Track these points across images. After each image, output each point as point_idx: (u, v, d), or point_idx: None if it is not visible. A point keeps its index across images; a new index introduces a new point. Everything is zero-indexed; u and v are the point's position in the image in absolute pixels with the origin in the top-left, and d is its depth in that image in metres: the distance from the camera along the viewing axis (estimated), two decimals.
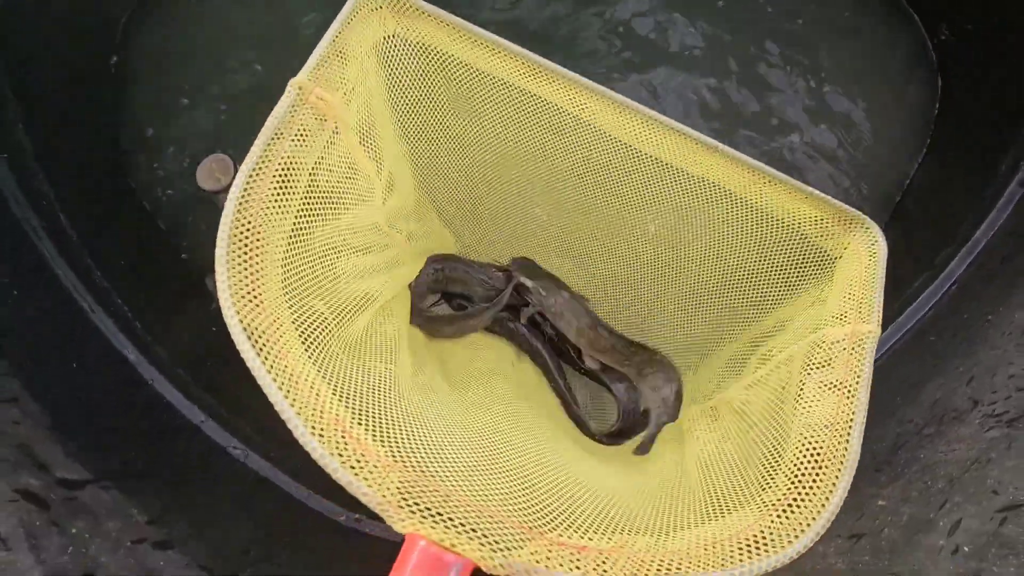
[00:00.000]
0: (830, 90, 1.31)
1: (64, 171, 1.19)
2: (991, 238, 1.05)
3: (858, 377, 0.53)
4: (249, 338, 0.47)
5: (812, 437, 0.49)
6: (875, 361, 1.04)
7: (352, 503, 0.96)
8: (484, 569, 0.39)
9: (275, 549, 0.77)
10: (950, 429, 0.65)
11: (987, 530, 0.46)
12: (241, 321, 0.47)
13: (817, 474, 0.47)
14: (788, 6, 1.34)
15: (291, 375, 0.47)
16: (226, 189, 1.23)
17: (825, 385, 0.53)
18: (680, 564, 0.42)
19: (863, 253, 0.64)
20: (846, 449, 0.48)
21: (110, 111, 1.34)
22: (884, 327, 1.06)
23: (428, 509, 0.40)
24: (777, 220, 0.69)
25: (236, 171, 1.29)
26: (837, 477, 0.46)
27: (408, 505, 0.40)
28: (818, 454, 0.48)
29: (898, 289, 1.14)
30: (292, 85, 0.57)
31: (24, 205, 1.08)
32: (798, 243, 0.69)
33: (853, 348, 0.55)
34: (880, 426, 0.77)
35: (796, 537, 0.43)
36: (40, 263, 1.04)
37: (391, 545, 0.65)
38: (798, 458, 0.48)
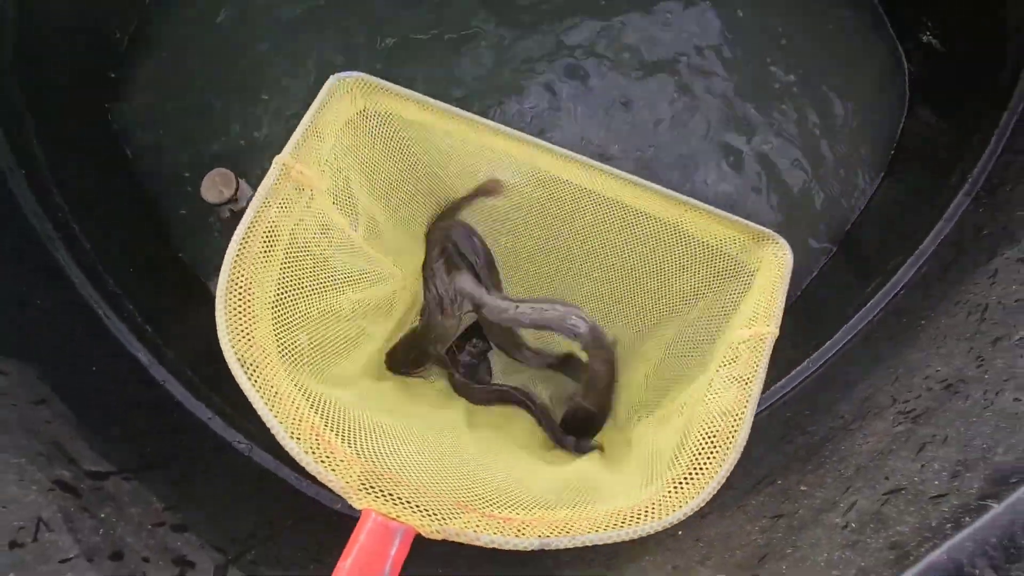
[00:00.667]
0: (804, 100, 1.39)
1: (76, 184, 1.27)
2: (937, 247, 1.13)
3: (755, 370, 0.63)
4: (243, 367, 0.59)
5: (711, 423, 0.59)
6: (824, 363, 1.13)
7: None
8: (424, 534, 0.49)
9: (278, 533, 0.86)
10: (869, 424, 0.74)
11: (872, 510, 0.55)
12: (236, 354, 0.59)
13: (710, 455, 0.56)
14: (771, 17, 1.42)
15: (276, 393, 0.59)
16: (228, 201, 1.32)
17: (730, 379, 0.63)
18: (583, 527, 0.51)
19: (773, 264, 0.74)
20: (736, 433, 0.57)
21: (117, 126, 1.42)
22: (836, 329, 1.16)
23: (381, 491, 0.51)
24: (704, 243, 0.80)
25: (238, 184, 1.37)
26: (725, 457, 0.56)
27: (365, 488, 0.51)
28: (714, 437, 0.57)
29: (853, 294, 1.22)
30: (276, 163, 0.69)
31: (41, 217, 1.16)
32: (726, 262, 0.80)
33: (755, 346, 0.65)
34: (818, 422, 0.87)
35: (680, 507, 0.53)
36: (57, 271, 1.13)
37: None
38: (699, 441, 0.58)
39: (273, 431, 0.54)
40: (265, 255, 0.67)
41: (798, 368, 1.11)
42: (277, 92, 1.38)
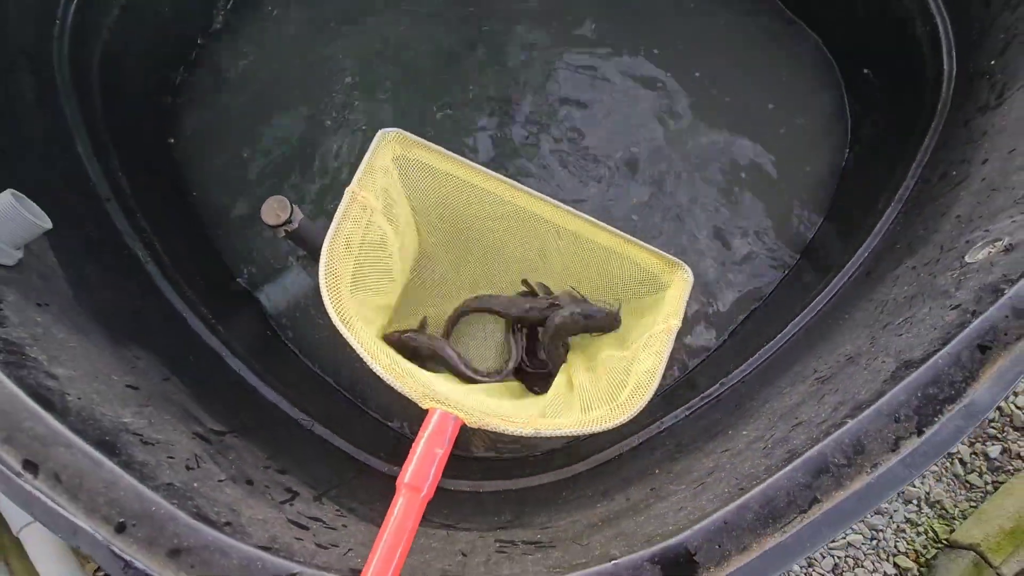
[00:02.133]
0: (767, 141, 1.68)
1: (153, 209, 1.52)
2: (864, 259, 1.41)
3: (665, 347, 1.00)
4: (343, 323, 0.90)
5: (639, 378, 0.95)
6: (776, 351, 1.39)
7: (392, 460, 1.30)
8: (467, 424, 0.81)
9: (346, 482, 1.11)
10: (795, 389, 1.00)
11: (782, 437, 0.81)
12: (338, 315, 0.91)
13: (635, 393, 0.93)
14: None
15: (363, 343, 0.89)
16: (284, 223, 1.57)
17: (651, 352, 0.99)
18: (557, 426, 0.85)
19: (679, 283, 1.12)
20: (651, 382, 0.94)
21: (183, 159, 1.68)
22: (784, 325, 1.42)
23: (435, 400, 0.83)
24: (637, 263, 1.17)
25: (292, 209, 1.65)
26: (644, 394, 0.93)
27: (427, 397, 0.83)
28: (639, 385, 0.94)
29: (802, 296, 1.49)
30: (348, 191, 1.02)
31: (133, 237, 1.41)
32: (649, 277, 1.18)
33: (666, 334, 1.02)
34: (763, 392, 1.12)
35: (615, 419, 0.89)
36: (151, 283, 1.38)
37: None
38: (631, 387, 0.94)
39: (368, 364, 0.85)
40: (344, 254, 1.00)
41: (755, 355, 1.37)
42: (315, 137, 1.64)
